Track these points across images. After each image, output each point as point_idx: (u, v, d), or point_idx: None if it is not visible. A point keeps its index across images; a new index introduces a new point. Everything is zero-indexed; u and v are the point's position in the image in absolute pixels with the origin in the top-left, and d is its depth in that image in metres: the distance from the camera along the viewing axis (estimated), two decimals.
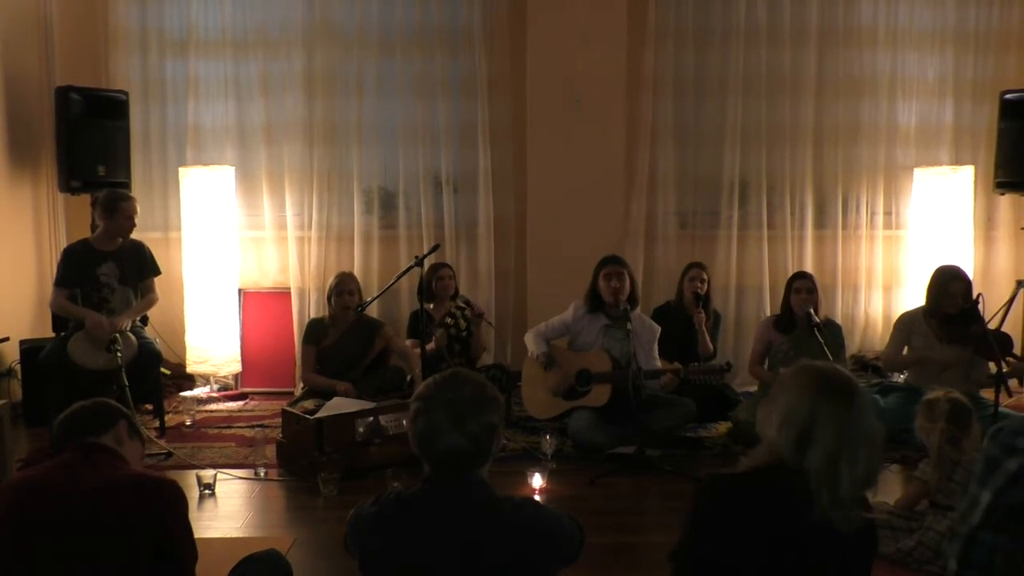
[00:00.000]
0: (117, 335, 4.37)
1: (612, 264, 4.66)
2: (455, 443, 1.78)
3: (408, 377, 4.82)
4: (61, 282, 4.71)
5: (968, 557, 1.87)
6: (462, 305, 5.12)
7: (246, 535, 3.41)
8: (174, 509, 2.17)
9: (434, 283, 5.12)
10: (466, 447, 1.78)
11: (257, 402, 5.64)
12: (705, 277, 5.14)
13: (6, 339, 5.08)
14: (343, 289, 4.85)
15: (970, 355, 4.42)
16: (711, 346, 5.06)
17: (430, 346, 4.82)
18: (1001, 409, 4.09)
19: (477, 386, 1.85)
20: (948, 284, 4.51)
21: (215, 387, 5.79)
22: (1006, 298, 5.57)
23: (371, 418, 4.13)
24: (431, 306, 5.09)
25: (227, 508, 3.76)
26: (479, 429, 1.79)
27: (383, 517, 1.82)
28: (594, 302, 4.69)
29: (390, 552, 1.80)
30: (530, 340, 4.77)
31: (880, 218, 6.12)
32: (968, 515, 1.87)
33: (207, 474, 3.94)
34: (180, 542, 2.17)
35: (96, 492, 2.08)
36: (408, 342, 5.11)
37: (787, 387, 1.82)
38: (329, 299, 4.89)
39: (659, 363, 4.63)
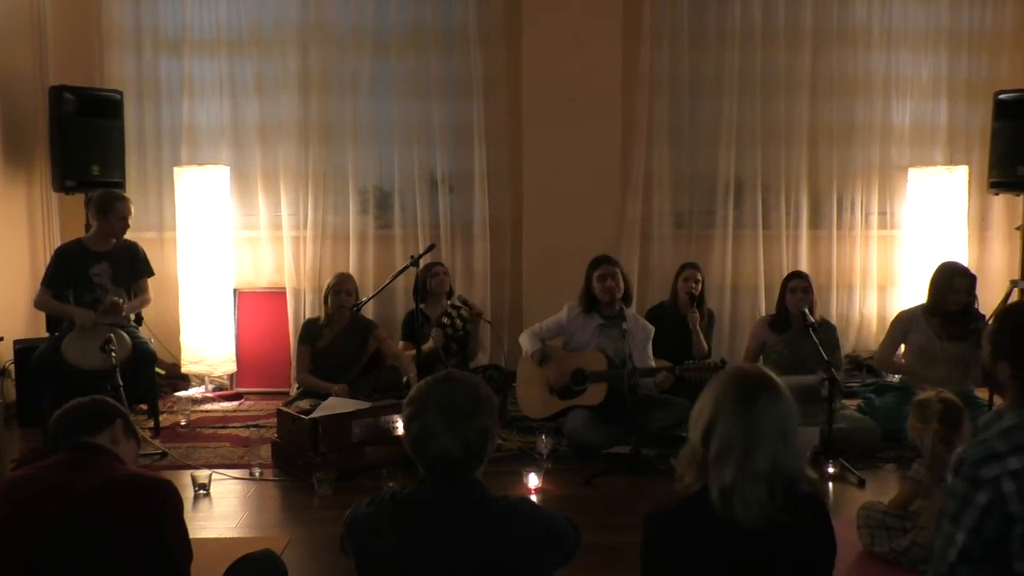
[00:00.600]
0: (111, 335, 4.36)
1: (605, 264, 4.66)
2: (448, 447, 1.78)
3: (404, 378, 4.82)
4: (48, 282, 4.71)
5: None
6: (459, 304, 5.11)
7: (241, 535, 3.41)
8: (169, 510, 2.15)
9: (429, 281, 5.12)
10: (460, 451, 1.78)
11: (252, 402, 5.63)
12: (699, 277, 5.15)
13: (0, 339, 5.06)
14: (340, 289, 4.85)
15: (972, 353, 4.40)
16: (706, 345, 5.07)
17: (427, 345, 4.82)
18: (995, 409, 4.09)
19: (470, 389, 1.84)
20: (952, 280, 4.49)
21: (210, 387, 5.78)
22: (999, 298, 5.62)
23: (367, 419, 4.13)
24: (425, 305, 5.09)
25: (222, 508, 3.75)
26: (472, 433, 1.79)
27: (379, 518, 1.82)
28: (588, 303, 4.69)
29: (386, 553, 1.80)
30: (525, 340, 4.77)
31: (875, 218, 6.13)
32: (945, 553, 1.83)
33: (202, 474, 3.93)
34: (175, 543, 2.15)
35: (91, 492, 2.06)
36: (401, 344, 5.11)
37: (709, 385, 1.88)
38: (326, 299, 4.88)
39: (653, 363, 4.64)
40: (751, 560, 1.77)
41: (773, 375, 1.86)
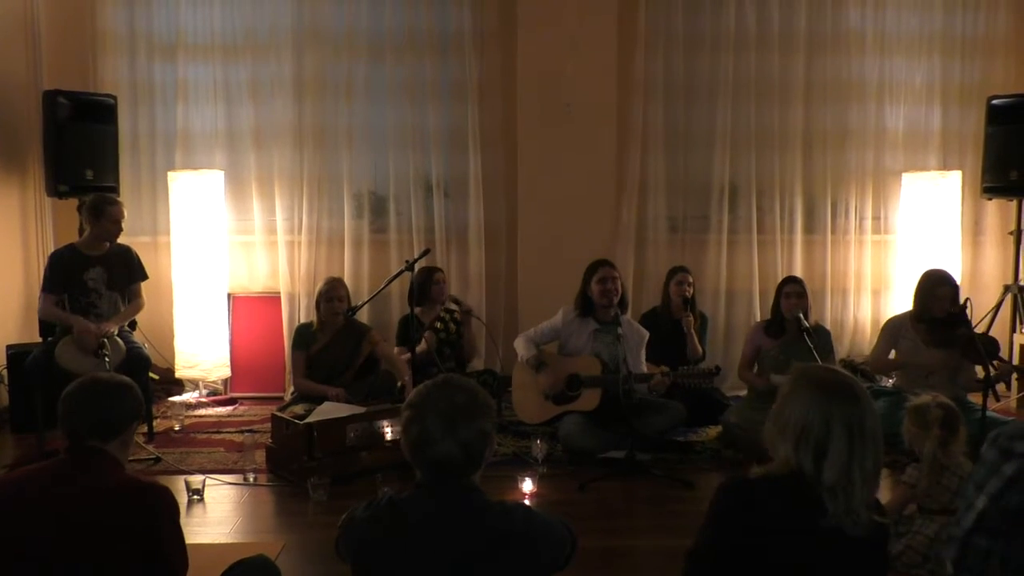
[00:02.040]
0: (105, 340, 4.35)
1: (606, 267, 4.68)
2: (448, 450, 1.77)
3: (399, 383, 4.81)
4: (49, 288, 4.68)
5: (964, 561, 1.87)
6: (452, 308, 5.11)
7: (235, 540, 3.39)
8: (166, 516, 2.13)
9: (430, 286, 5.11)
10: (459, 454, 1.78)
11: (246, 407, 5.61)
12: (690, 280, 5.16)
13: None
14: (332, 296, 4.83)
15: (957, 359, 4.45)
16: (700, 348, 5.08)
17: (420, 347, 4.81)
18: (988, 413, 4.11)
19: (470, 393, 1.84)
20: (935, 288, 4.54)
21: (204, 392, 5.76)
22: (993, 303, 5.64)
23: (362, 423, 4.12)
24: (420, 310, 5.08)
25: (216, 513, 3.74)
26: (472, 436, 1.79)
27: (376, 523, 1.82)
28: (584, 306, 4.69)
29: (382, 558, 1.79)
30: (520, 345, 4.77)
31: (869, 223, 6.15)
32: (964, 517, 1.88)
33: (196, 479, 3.92)
34: (171, 549, 2.13)
35: (87, 498, 2.05)
36: (396, 349, 5.10)
37: (796, 401, 1.83)
38: (318, 305, 4.86)
39: (646, 369, 4.64)
40: (829, 554, 1.78)
41: (853, 377, 1.87)
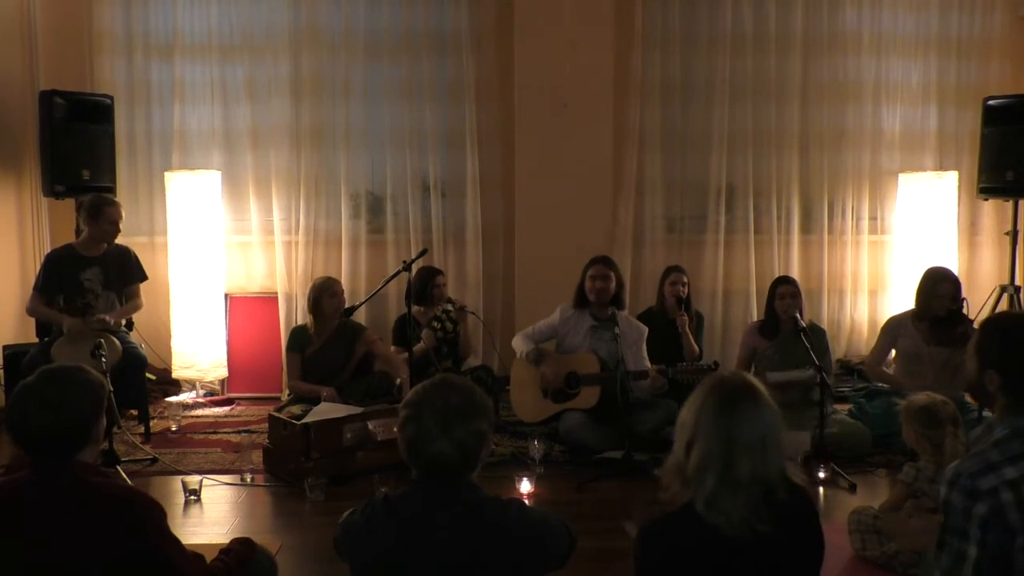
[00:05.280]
0: (101, 340, 4.34)
1: (599, 264, 4.70)
2: (444, 450, 1.78)
3: (397, 382, 4.81)
4: (41, 288, 4.69)
5: None
6: (449, 308, 5.11)
7: None
8: (151, 521, 2.01)
9: (431, 289, 5.11)
10: (454, 454, 1.78)
11: (244, 407, 5.61)
12: (685, 280, 5.16)
13: None
14: (335, 291, 4.85)
15: (960, 358, 4.44)
16: (696, 348, 5.08)
17: (418, 347, 4.81)
18: (985, 414, 4.11)
19: (466, 392, 1.84)
20: (937, 285, 4.53)
21: (201, 392, 5.75)
22: (989, 302, 5.65)
23: (359, 424, 4.12)
24: (420, 309, 5.08)
25: (213, 514, 3.74)
26: (468, 436, 1.79)
27: (373, 521, 1.82)
28: (580, 300, 4.71)
29: (380, 556, 1.80)
30: (517, 343, 4.78)
31: (865, 223, 6.16)
32: (957, 571, 1.82)
33: (193, 480, 3.91)
34: (173, 557, 2.03)
35: (65, 511, 1.94)
36: (392, 349, 5.09)
37: (691, 397, 1.87)
38: (316, 303, 4.85)
39: (648, 363, 4.64)
40: (741, 570, 1.77)
41: (756, 382, 1.85)
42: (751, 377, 1.88)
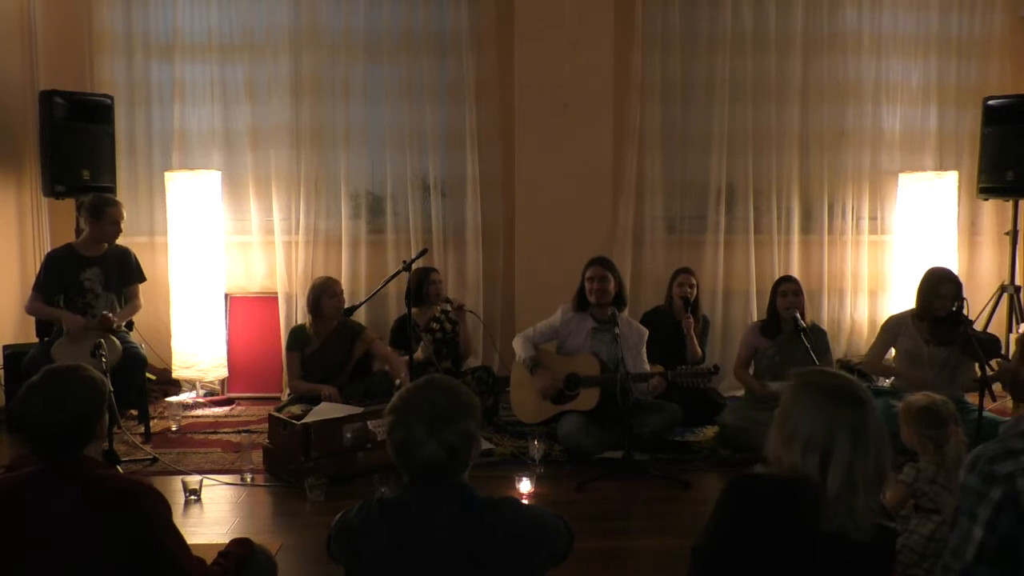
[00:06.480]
0: (101, 340, 4.35)
1: (596, 265, 4.69)
2: (432, 453, 1.78)
3: (396, 382, 4.81)
4: (40, 288, 4.69)
5: None
6: (447, 309, 5.11)
7: None
8: (157, 515, 2.04)
9: (427, 287, 5.11)
10: (444, 456, 1.78)
11: (244, 407, 5.61)
12: (694, 282, 5.17)
13: None
14: (335, 292, 4.85)
15: (959, 357, 4.44)
16: (700, 350, 5.08)
17: (417, 355, 4.79)
18: (985, 413, 4.11)
19: (451, 393, 1.84)
20: (938, 285, 4.53)
21: (201, 392, 5.75)
22: (990, 302, 5.65)
23: (359, 424, 4.12)
24: (418, 310, 5.08)
25: (213, 514, 3.74)
26: (455, 437, 1.79)
27: (367, 523, 1.82)
28: (580, 301, 4.71)
29: (374, 558, 1.79)
30: (518, 344, 4.78)
31: (865, 223, 6.16)
32: (962, 551, 1.83)
33: (193, 480, 3.91)
34: (176, 552, 2.05)
35: (72, 505, 1.96)
36: (390, 350, 5.09)
37: (799, 408, 1.85)
38: (316, 303, 4.85)
39: (648, 366, 4.64)
40: (832, 556, 1.78)
41: (858, 382, 1.88)
42: (852, 377, 1.90)
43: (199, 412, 5.44)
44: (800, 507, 1.79)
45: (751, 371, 4.88)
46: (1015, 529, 1.79)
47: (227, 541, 2.50)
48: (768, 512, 1.81)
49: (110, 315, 4.63)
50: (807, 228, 6.15)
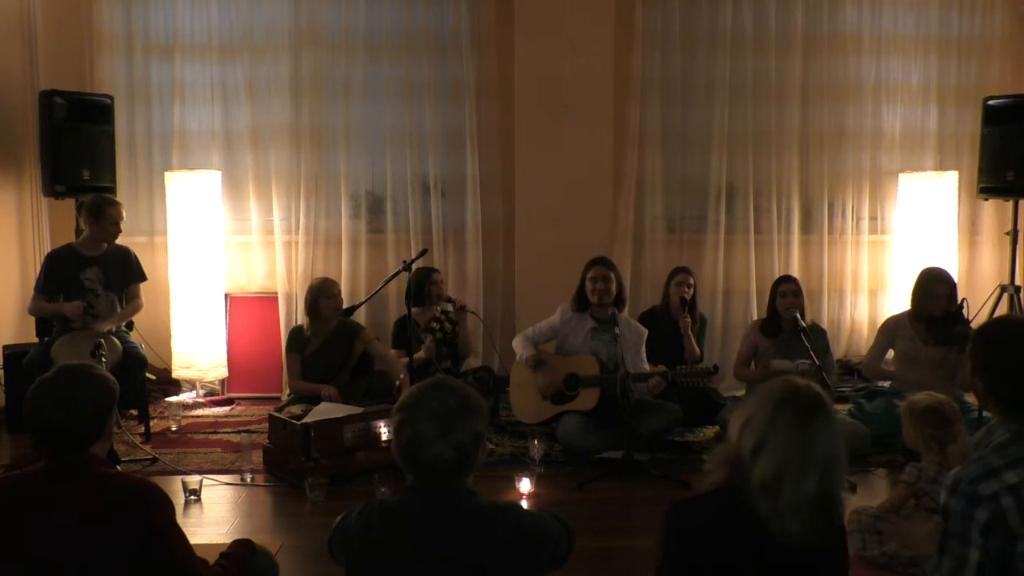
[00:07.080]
0: (101, 340, 4.34)
1: (598, 266, 4.69)
2: (441, 453, 1.76)
3: (396, 382, 4.81)
4: (42, 289, 4.70)
5: None
6: (447, 309, 5.10)
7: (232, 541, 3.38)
8: (161, 513, 2.05)
9: (428, 287, 5.11)
10: (452, 457, 1.77)
11: (244, 407, 5.61)
12: (691, 282, 5.16)
13: None
14: (333, 292, 4.85)
15: (956, 357, 4.44)
16: (698, 350, 5.08)
17: (419, 356, 4.79)
18: (985, 414, 4.11)
19: (462, 395, 1.83)
20: (931, 286, 4.54)
21: (201, 392, 5.75)
22: (989, 302, 5.66)
23: (360, 424, 4.12)
24: (419, 310, 5.07)
25: (213, 514, 3.74)
26: (465, 438, 1.78)
27: (369, 525, 1.81)
28: (580, 302, 4.71)
29: (375, 560, 1.79)
30: (518, 344, 4.77)
31: (865, 223, 6.16)
32: (959, 575, 1.81)
33: (193, 480, 3.92)
34: (179, 550, 2.06)
35: (78, 501, 1.98)
36: (392, 352, 5.09)
37: (759, 394, 1.84)
38: (314, 304, 4.84)
39: (647, 366, 4.64)
40: (773, 563, 1.76)
41: (826, 396, 1.83)
42: (821, 390, 1.85)
43: (199, 412, 5.44)
44: (736, 521, 1.76)
45: (751, 369, 4.88)
46: (1005, 547, 1.77)
47: (227, 541, 2.51)
48: (704, 546, 1.78)
49: (105, 329, 4.61)
50: (807, 228, 6.15)
